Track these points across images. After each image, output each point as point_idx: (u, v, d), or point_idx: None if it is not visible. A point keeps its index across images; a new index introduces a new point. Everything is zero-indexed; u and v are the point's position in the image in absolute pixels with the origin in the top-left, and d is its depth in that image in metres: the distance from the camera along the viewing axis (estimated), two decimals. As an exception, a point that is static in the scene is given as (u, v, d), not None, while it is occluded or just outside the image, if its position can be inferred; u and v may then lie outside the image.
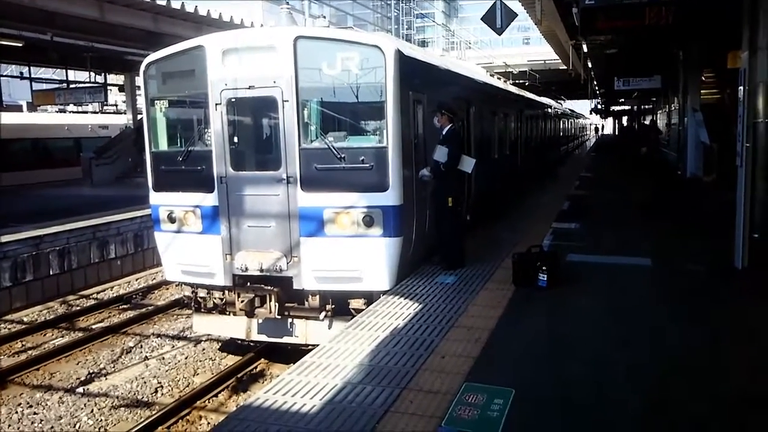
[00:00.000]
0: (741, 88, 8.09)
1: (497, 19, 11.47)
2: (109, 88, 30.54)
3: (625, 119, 58.43)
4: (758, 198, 7.97)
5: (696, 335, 6.03)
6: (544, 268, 7.49)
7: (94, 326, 10.98)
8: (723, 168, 15.91)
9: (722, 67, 17.28)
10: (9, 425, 7.37)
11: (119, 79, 31.56)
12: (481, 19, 11.98)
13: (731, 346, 5.76)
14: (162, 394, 8.11)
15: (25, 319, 11.44)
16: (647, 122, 38.02)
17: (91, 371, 8.86)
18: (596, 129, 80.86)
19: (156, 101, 8.37)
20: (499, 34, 12.35)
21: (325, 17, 10.55)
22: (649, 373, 5.11)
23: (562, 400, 4.66)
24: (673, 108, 24.62)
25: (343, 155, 7.32)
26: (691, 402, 4.59)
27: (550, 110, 26.84)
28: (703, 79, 21.45)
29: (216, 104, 7.67)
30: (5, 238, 12.03)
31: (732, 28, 9.15)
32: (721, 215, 9.65)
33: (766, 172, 7.92)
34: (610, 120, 74.93)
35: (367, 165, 7.34)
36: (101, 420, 7.44)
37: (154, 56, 8.31)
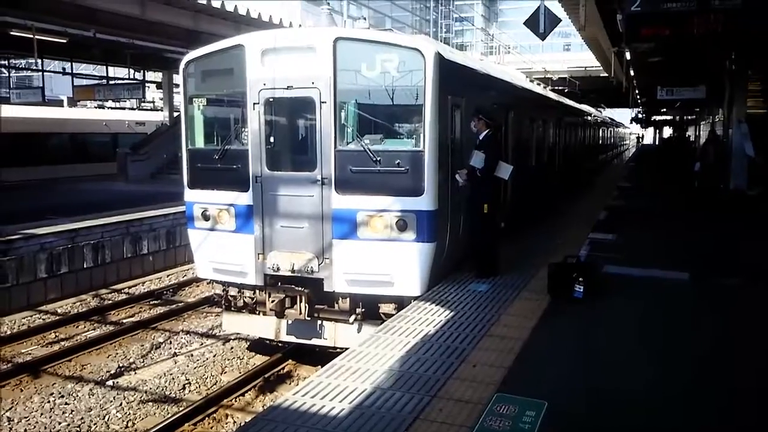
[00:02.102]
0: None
1: (540, 24, 11.28)
2: (147, 85, 31.04)
3: (666, 129, 57.34)
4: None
5: (730, 352, 5.80)
6: (580, 279, 7.30)
7: (125, 320, 11.09)
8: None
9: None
10: (41, 414, 7.47)
11: (157, 76, 32.08)
12: (524, 23, 11.80)
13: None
14: (189, 390, 8.13)
15: (59, 311, 11.61)
16: (701, 133, 33.83)
17: (121, 365, 8.94)
18: (637, 139, 79.68)
19: (194, 99, 8.40)
20: (542, 39, 12.15)
21: (365, 19, 10.50)
22: (684, 391, 4.92)
23: (595, 414, 4.52)
24: (717, 119, 24.03)
25: (378, 158, 7.24)
26: (720, 422, 4.40)
27: (589, 118, 26.43)
28: (750, 89, 20.87)
29: (254, 104, 7.66)
30: (42, 230, 12.24)
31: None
32: (763, 229, 9.35)
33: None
34: (650, 130, 73.68)
35: (403, 168, 7.26)
36: (129, 414, 7.49)
37: (193, 54, 8.35)
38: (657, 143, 63.11)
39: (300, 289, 7.55)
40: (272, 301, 7.57)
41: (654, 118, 54.05)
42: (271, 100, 7.70)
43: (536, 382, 5.05)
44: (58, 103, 35.88)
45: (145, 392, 8.02)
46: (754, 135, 18.60)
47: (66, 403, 7.74)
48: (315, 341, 7.99)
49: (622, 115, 62.83)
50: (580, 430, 4.30)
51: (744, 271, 8.79)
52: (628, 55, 21.26)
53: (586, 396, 4.83)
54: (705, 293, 7.92)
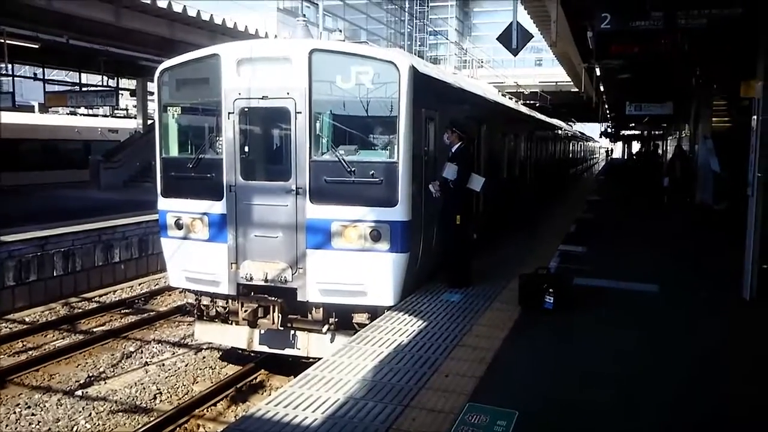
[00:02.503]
0: (754, 117, 8.06)
1: (513, 40, 11.46)
2: (120, 92, 30.72)
3: (635, 144, 58.33)
4: (769, 228, 7.91)
5: (701, 365, 5.96)
6: (551, 290, 7.44)
7: (95, 329, 10.96)
8: (733, 196, 15.85)
9: (735, 96, 17.26)
10: (7, 425, 7.34)
11: (131, 83, 31.79)
12: (497, 39, 11.97)
13: (736, 373, 5.68)
14: (161, 400, 8.07)
15: (27, 319, 11.43)
16: (668, 147, 34.20)
17: (90, 374, 8.83)
18: (606, 153, 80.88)
19: (169, 107, 8.39)
20: (515, 55, 12.34)
21: (341, 31, 10.58)
22: (654, 400, 5.04)
23: (566, 424, 4.61)
24: (683, 135, 24.58)
25: (353, 169, 7.31)
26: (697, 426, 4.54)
27: (559, 132, 26.84)
28: (715, 106, 21.41)
29: (229, 113, 7.68)
30: (10, 238, 12.05)
31: (746, 58, 9.14)
32: (730, 244, 9.60)
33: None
34: (619, 144, 74.88)
35: (377, 179, 7.34)
36: (98, 424, 7.40)
37: (169, 63, 8.34)
38: (626, 157, 64.14)
39: (273, 298, 7.55)
40: (245, 311, 7.56)
41: (623, 132, 55.00)
42: (246, 109, 7.72)
43: (507, 391, 5.13)
44: (29, 109, 35.31)
45: (115, 402, 7.93)
46: (719, 150, 19.06)
47: (33, 414, 7.62)
48: (288, 351, 7.98)
49: (592, 129, 63.79)
50: (549, 439, 4.39)
51: (712, 283, 9.01)
52: (598, 71, 21.71)
53: (556, 405, 4.92)
54: (673, 305, 8.10)
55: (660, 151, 38.47)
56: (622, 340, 6.61)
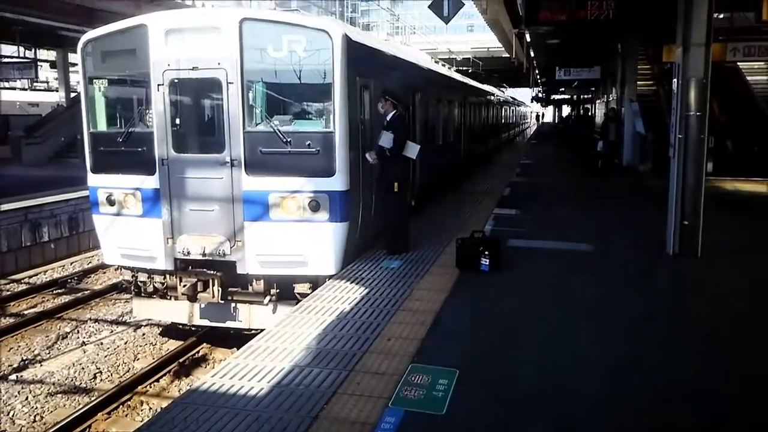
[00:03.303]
0: (675, 81, 8.42)
1: (444, 8, 11.55)
2: (39, 64, 29.28)
3: (565, 108, 59.73)
4: (689, 187, 8.33)
5: (629, 314, 6.29)
6: (486, 252, 7.68)
7: (26, 311, 10.61)
8: (656, 157, 16.55)
9: (658, 60, 17.92)
10: (-64, 414, 7.09)
11: (51, 54, 30.31)
12: (428, 7, 12.05)
13: (660, 322, 6.04)
14: (101, 380, 7.93)
15: (-49, 305, 10.96)
16: (597, 111, 33.68)
17: (24, 358, 8.58)
18: (537, 117, 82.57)
19: (95, 80, 8.10)
20: (446, 23, 12.46)
21: (272, -1, 10.40)
22: (589, 353, 5.31)
23: (504, 379, 4.82)
24: (611, 98, 25.35)
25: (288, 139, 7.27)
26: (632, 377, 4.82)
27: (492, 98, 27.25)
28: (640, 70, 22.16)
29: (158, 85, 7.48)
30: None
31: (668, 24, 9.50)
32: (655, 203, 10.06)
33: (697, 163, 8.28)
34: (550, 108, 76.59)
35: (314, 149, 7.33)
36: (36, 407, 7.22)
37: (93, 33, 8.03)
38: (556, 121, 65.61)
39: (212, 272, 7.51)
40: (184, 286, 7.50)
41: (553, 97, 56.27)
42: (176, 81, 7.54)
43: (448, 351, 5.30)
44: (-62, 83, 33.30)
45: (53, 384, 7.76)
46: (644, 113, 19.81)
47: (-35, 401, 7.39)
48: (229, 324, 7.97)
49: (524, 94, 64.97)
50: (490, 395, 4.57)
51: (637, 241, 9.44)
52: (528, 37, 22.10)
53: (495, 362, 5.13)
54: (601, 262, 8.47)
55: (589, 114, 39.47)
56: (556, 297, 6.89)
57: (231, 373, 4.87)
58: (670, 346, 5.52)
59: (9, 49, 28.71)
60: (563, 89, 44.57)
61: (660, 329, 5.94)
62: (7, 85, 36.81)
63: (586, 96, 42.00)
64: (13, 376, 7.99)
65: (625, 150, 20.14)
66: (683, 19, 8.20)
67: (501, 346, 5.49)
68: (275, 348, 5.38)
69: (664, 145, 9.46)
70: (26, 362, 8.43)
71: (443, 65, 21.72)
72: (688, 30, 8.14)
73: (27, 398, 7.42)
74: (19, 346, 9.01)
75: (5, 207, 13.01)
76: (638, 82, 21.83)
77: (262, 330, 6.13)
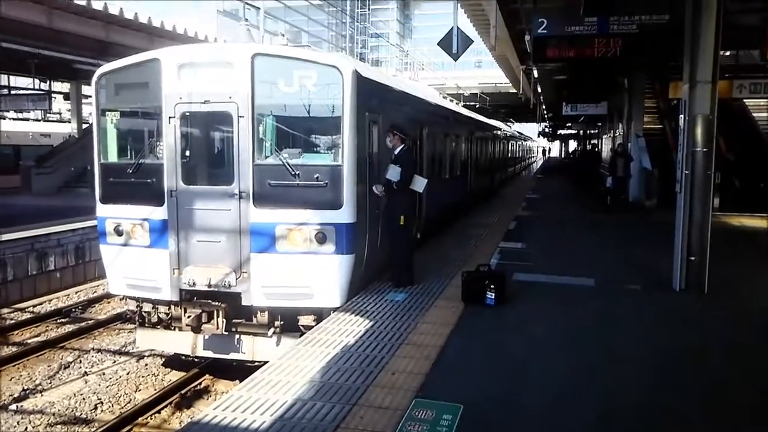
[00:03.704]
0: (681, 117, 8.47)
1: (453, 45, 11.71)
2: (53, 95, 29.71)
3: (572, 143, 59.88)
4: (695, 223, 8.32)
5: (633, 353, 6.23)
6: (492, 286, 7.65)
7: (29, 340, 10.60)
8: (662, 193, 16.52)
9: (664, 97, 18.04)
10: (-64, 444, 7.05)
11: (64, 86, 30.75)
12: (438, 44, 12.20)
13: (668, 364, 5.97)
14: (102, 410, 7.88)
15: (-44, 333, 10.96)
16: (604, 146, 33.06)
17: (26, 387, 8.55)
18: (544, 151, 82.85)
19: (107, 112, 8.22)
20: (455, 60, 12.61)
21: (283, 35, 10.56)
22: (593, 388, 5.26)
23: (508, 415, 4.77)
24: (617, 134, 25.45)
25: (297, 172, 7.33)
26: (633, 414, 4.76)
27: (499, 132, 27.42)
28: (646, 107, 22.27)
29: (169, 117, 7.59)
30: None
31: (674, 61, 9.61)
32: (661, 238, 10.03)
33: (704, 199, 8.28)
34: (557, 143, 76.91)
35: (322, 182, 7.38)
36: (37, 438, 7.19)
37: (107, 67, 8.18)
38: (563, 156, 65.75)
39: (217, 303, 7.50)
40: (188, 317, 7.49)
41: (560, 132, 56.53)
42: (188, 114, 7.65)
43: (452, 386, 5.26)
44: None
45: (53, 414, 7.71)
46: (650, 149, 19.82)
47: (-35, 431, 7.35)
48: (233, 355, 7.93)
49: (531, 129, 65.33)
50: (494, 430, 4.51)
51: (644, 277, 9.40)
52: (535, 73, 22.32)
53: (499, 398, 5.08)
54: (607, 298, 8.41)
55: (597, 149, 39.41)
56: (561, 332, 6.85)
57: (233, 406, 4.84)
58: (687, 390, 5.46)
59: (24, 81, 29.14)
60: (570, 124, 44.79)
61: (676, 370, 5.87)
62: (20, 116, 37.34)
63: (592, 131, 42.19)
64: (13, 406, 7.96)
65: (632, 185, 20.12)
66: (690, 56, 8.28)
67: (506, 382, 5.44)
68: (278, 381, 5.34)
69: (670, 180, 9.46)
70: (27, 392, 8.40)
71: (451, 100, 21.91)
72: (695, 67, 8.21)
73: (26, 429, 7.38)
74: (21, 376, 8.98)
75: (12, 236, 13.08)
76: (644, 118, 21.93)
77: (265, 362, 6.09)
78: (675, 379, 5.59)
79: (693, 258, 8.32)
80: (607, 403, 5.01)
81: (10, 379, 8.86)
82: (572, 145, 62.81)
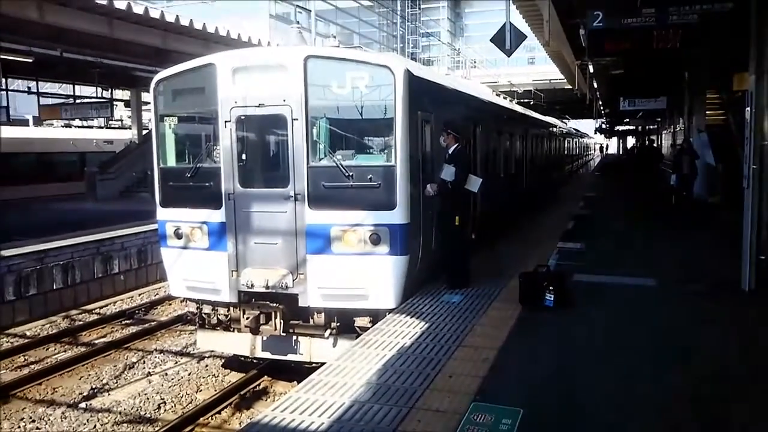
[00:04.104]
0: (748, 110, 8.11)
1: (506, 41, 11.55)
2: (115, 103, 30.75)
3: (630, 139, 58.36)
4: (765, 220, 7.96)
5: (701, 359, 5.99)
6: (551, 287, 7.48)
7: (96, 341, 10.96)
8: (727, 189, 15.89)
9: (728, 89, 17.33)
10: (11, 440, 7.35)
11: (125, 94, 31.81)
12: (490, 40, 12.06)
13: (740, 369, 5.72)
14: (165, 410, 8.07)
15: (28, 333, 11.42)
16: (663, 141, 32.44)
17: (93, 386, 8.83)
18: (601, 148, 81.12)
19: (165, 117, 8.42)
20: (509, 56, 12.44)
21: (335, 37, 10.62)
22: (653, 395, 5.07)
23: (569, 420, 4.64)
24: (678, 129, 24.65)
25: (351, 173, 7.34)
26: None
27: (554, 129, 26.91)
28: (708, 100, 21.47)
29: (225, 121, 7.71)
30: (9, 252, 12.04)
31: (738, 51, 9.21)
32: (726, 236, 9.64)
33: (773, 194, 7.92)
34: (614, 139, 75.12)
35: (375, 183, 7.37)
36: (104, 436, 7.41)
37: (164, 73, 8.37)
38: (621, 152, 64.13)
39: (274, 305, 7.57)
40: (247, 318, 7.58)
41: (617, 128, 55.15)
42: (243, 117, 7.75)
43: (511, 390, 5.16)
44: (23, 123, 35.30)
45: (120, 413, 7.94)
46: (713, 144, 19.09)
47: (37, 428, 7.63)
48: (290, 357, 7.99)
49: (587, 125, 63.98)
50: (555, 436, 4.42)
51: (707, 277, 9.05)
52: (591, 68, 21.80)
53: (560, 403, 4.95)
54: (670, 299, 8.13)
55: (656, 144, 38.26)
56: (620, 334, 6.65)
57: (291, 408, 4.86)
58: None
59: (88, 90, 30.26)
60: (627, 120, 43.65)
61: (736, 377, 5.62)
62: (85, 123, 38.79)
63: (651, 127, 41.01)
64: (82, 405, 8.23)
65: (695, 182, 19.42)
66: (756, 45, 7.93)
67: (566, 386, 5.29)
68: (336, 383, 5.35)
69: (735, 176, 9.08)
70: (95, 391, 8.68)
71: (504, 98, 21.63)
72: (762, 57, 7.86)
73: (95, 426, 7.62)
74: (89, 375, 9.29)
75: (80, 240, 13.56)
76: (707, 111, 21.15)
77: (322, 363, 6.12)
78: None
79: (764, 257, 7.96)
80: (667, 412, 4.81)
81: (79, 379, 9.17)
82: (630, 141, 61.21)
